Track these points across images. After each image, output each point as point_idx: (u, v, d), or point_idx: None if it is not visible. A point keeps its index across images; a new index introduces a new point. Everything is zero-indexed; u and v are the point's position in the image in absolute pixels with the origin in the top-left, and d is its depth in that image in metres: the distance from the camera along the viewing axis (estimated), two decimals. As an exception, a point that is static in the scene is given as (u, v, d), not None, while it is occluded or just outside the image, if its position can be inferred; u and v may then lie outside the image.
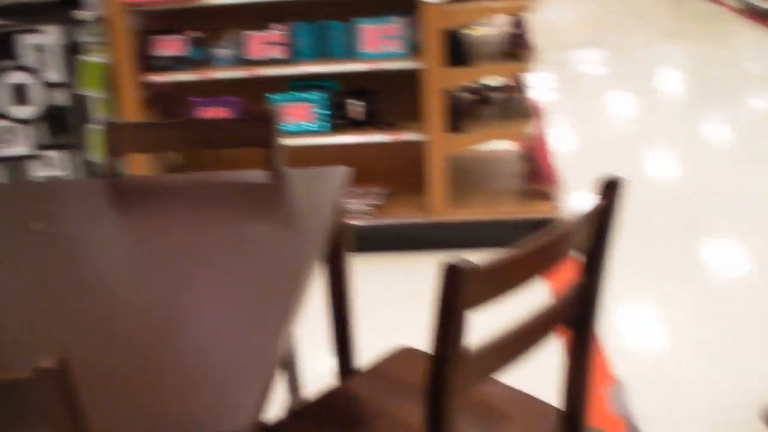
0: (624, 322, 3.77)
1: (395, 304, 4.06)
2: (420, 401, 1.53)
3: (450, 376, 1.48)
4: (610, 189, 1.67)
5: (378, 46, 4.35)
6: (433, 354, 1.46)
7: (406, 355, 2.29)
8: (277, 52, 4.41)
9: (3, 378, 1.20)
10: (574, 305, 1.72)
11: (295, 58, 4.43)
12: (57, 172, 4.78)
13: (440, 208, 4.51)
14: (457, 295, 1.39)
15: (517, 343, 1.59)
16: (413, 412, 1.99)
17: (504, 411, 2.03)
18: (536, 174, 4.71)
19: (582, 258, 1.70)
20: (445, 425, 1.53)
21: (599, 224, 1.68)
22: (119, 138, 2.75)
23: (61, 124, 4.71)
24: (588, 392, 1.89)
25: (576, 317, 1.75)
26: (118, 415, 1.46)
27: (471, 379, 1.55)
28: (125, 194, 2.64)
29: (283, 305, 1.77)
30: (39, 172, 4.79)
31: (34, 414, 1.23)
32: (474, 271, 1.39)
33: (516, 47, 4.46)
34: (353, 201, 4.52)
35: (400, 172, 4.81)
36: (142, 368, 1.62)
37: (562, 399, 1.89)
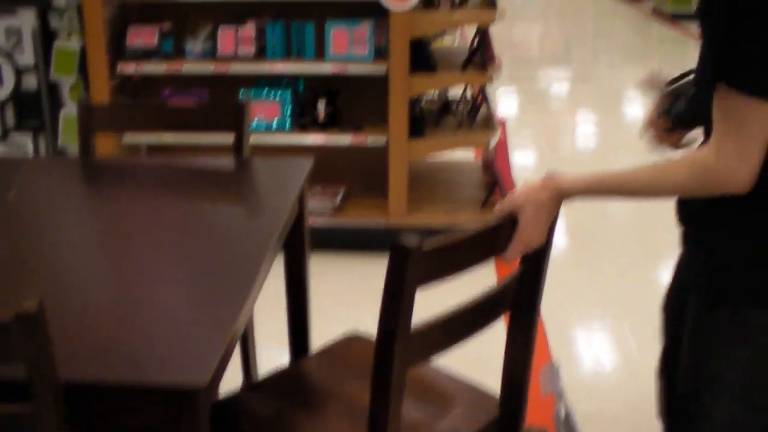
0: (563, 307, 3.90)
1: (349, 301, 4.15)
2: (367, 380, 1.62)
3: (397, 351, 1.57)
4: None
5: (346, 49, 4.45)
6: (380, 328, 1.56)
7: (354, 340, 2.39)
8: (247, 49, 4.50)
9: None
10: (518, 289, 1.83)
11: (265, 55, 4.52)
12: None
13: (399, 212, 4.60)
14: (405, 271, 1.49)
15: (462, 323, 1.70)
16: (361, 389, 2.08)
17: (447, 397, 2.13)
18: (496, 184, 4.82)
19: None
20: (390, 400, 1.62)
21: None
22: (92, 118, 2.82)
23: (30, 108, 4.75)
24: (528, 375, 1.99)
25: (519, 301, 1.85)
26: (87, 358, 1.55)
27: (417, 355, 1.65)
28: (94, 174, 2.72)
29: (242, 285, 1.84)
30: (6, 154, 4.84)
31: (13, 353, 1.32)
32: (421, 248, 1.49)
33: (481, 59, 4.57)
34: (314, 199, 4.61)
35: (361, 174, 4.90)
36: (108, 322, 1.71)
37: (504, 381, 1.99)
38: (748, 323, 1.76)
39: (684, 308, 1.91)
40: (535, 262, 1.85)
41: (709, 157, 1.65)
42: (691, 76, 1.92)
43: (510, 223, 1.77)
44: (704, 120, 1.76)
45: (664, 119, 2.01)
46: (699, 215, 1.82)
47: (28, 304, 1.30)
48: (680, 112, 1.97)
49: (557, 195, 1.81)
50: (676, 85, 2.00)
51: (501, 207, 1.81)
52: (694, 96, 1.91)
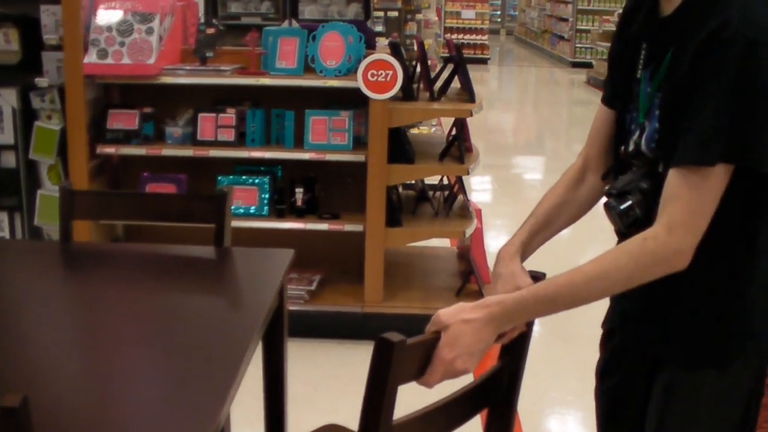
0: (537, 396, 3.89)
1: (325, 388, 4.13)
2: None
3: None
4: (533, 281, 1.82)
5: (325, 137, 4.50)
6: (362, 422, 1.56)
7: (331, 431, 2.38)
8: (227, 135, 4.54)
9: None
10: (496, 385, 1.84)
11: (244, 142, 4.55)
12: (1, 235, 4.81)
13: (375, 299, 4.61)
14: (388, 367, 1.50)
15: (442, 418, 1.70)
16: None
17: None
18: (471, 273, 4.85)
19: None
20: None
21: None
22: (72, 204, 2.83)
23: (8, 187, 4.75)
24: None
25: (497, 397, 1.86)
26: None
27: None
28: (74, 259, 2.72)
29: (223, 380, 1.82)
30: (-20, 233, 4.82)
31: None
32: (405, 345, 1.50)
33: (458, 150, 4.63)
34: (290, 285, 4.61)
35: (338, 260, 4.92)
36: (87, 417, 1.69)
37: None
38: (736, 377, 1.82)
39: (638, 380, 1.96)
40: (514, 358, 1.86)
41: (659, 238, 1.67)
42: (632, 176, 1.87)
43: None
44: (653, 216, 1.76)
45: (612, 218, 1.90)
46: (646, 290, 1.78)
47: (11, 398, 1.30)
48: (635, 212, 1.84)
49: (489, 317, 1.67)
50: (622, 180, 1.89)
51: (427, 327, 1.67)
52: (644, 192, 1.83)
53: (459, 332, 1.64)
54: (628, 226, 1.85)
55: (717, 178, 1.68)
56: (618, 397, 2.08)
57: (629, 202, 1.83)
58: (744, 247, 1.81)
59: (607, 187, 1.93)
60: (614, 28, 2.12)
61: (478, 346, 1.66)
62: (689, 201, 1.68)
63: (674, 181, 1.70)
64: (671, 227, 1.68)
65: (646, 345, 1.96)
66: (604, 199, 1.95)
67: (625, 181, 1.86)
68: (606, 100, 2.04)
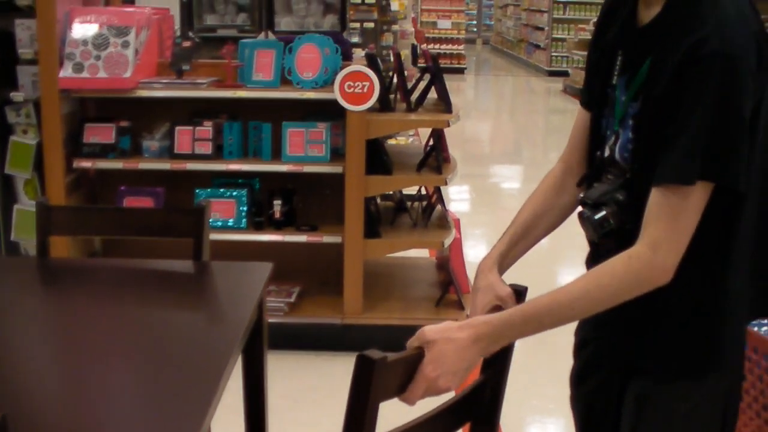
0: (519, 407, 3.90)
1: (304, 400, 4.12)
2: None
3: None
4: (514, 295, 1.82)
5: (303, 149, 4.50)
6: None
7: (314, 446, 2.37)
8: (204, 148, 4.52)
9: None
10: (478, 399, 1.84)
11: (221, 154, 4.54)
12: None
13: (355, 310, 4.60)
14: (370, 384, 1.50)
15: (423, 434, 1.70)
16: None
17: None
18: (450, 283, 4.85)
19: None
20: None
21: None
22: (49, 219, 2.82)
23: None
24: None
25: (479, 411, 1.86)
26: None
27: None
28: (51, 274, 2.70)
29: (202, 397, 1.81)
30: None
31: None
32: (386, 362, 1.50)
33: (436, 160, 4.64)
34: (269, 297, 4.60)
35: (317, 272, 4.92)
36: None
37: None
38: (712, 388, 1.84)
39: (613, 389, 1.96)
40: (497, 372, 1.86)
41: (643, 258, 1.69)
42: (608, 186, 1.87)
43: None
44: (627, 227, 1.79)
45: (587, 228, 1.89)
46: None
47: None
48: (609, 223, 1.84)
49: (476, 337, 1.67)
50: (598, 191, 1.88)
51: (410, 342, 1.67)
52: (620, 204, 1.83)
53: (444, 350, 1.63)
54: (601, 236, 1.85)
55: (697, 196, 1.69)
56: (593, 405, 2.08)
57: (603, 213, 1.83)
58: (719, 263, 1.82)
59: (581, 196, 1.93)
60: (590, 37, 2.13)
61: (462, 365, 1.66)
62: (671, 220, 1.69)
63: (656, 200, 1.71)
64: (655, 246, 1.69)
65: (620, 355, 1.97)
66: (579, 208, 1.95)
67: (601, 191, 1.86)
68: (585, 104, 2.06)
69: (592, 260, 1.94)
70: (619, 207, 1.82)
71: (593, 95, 1.99)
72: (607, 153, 1.91)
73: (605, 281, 1.72)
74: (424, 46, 18.72)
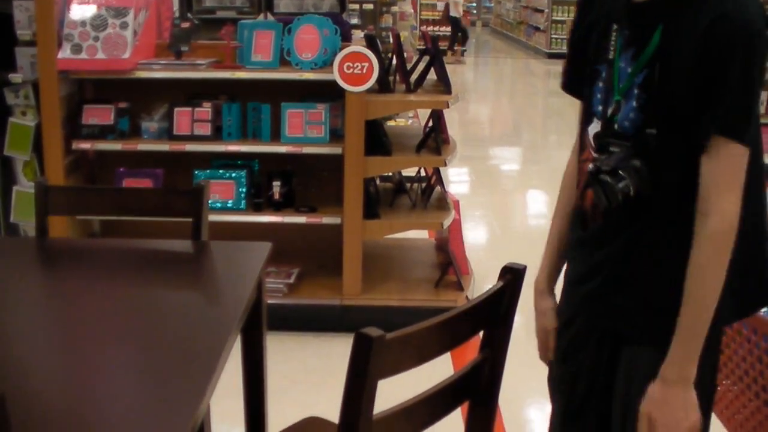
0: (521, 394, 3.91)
1: (304, 381, 4.13)
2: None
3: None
4: (512, 274, 1.82)
5: (302, 130, 4.49)
6: (342, 418, 1.56)
7: (311, 424, 2.38)
8: (203, 130, 4.52)
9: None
10: (477, 378, 1.84)
11: (221, 136, 4.54)
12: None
13: (354, 291, 4.61)
14: (368, 362, 1.50)
15: (424, 412, 1.70)
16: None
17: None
18: (450, 265, 4.86)
19: (485, 333, 1.82)
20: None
21: (501, 304, 1.82)
22: (48, 199, 2.81)
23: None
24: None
25: (478, 389, 1.86)
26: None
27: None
28: (50, 255, 2.70)
29: (202, 375, 1.81)
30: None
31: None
32: (384, 339, 1.50)
33: (435, 141, 4.64)
34: (268, 279, 4.60)
35: (316, 253, 4.92)
36: (65, 412, 1.68)
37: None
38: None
39: (601, 362, 2.07)
40: (495, 350, 1.86)
41: (719, 223, 1.79)
42: (619, 148, 1.93)
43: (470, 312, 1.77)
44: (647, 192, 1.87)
45: (606, 196, 1.92)
46: (623, 259, 1.96)
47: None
48: (629, 190, 1.89)
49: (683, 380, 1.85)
50: (613, 158, 1.92)
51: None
52: (639, 170, 1.89)
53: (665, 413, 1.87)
54: (615, 204, 1.89)
55: (740, 152, 1.81)
56: (579, 380, 2.13)
57: (626, 180, 1.87)
58: None
59: (594, 164, 1.95)
60: None
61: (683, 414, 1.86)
62: (720, 184, 1.80)
63: (705, 170, 1.81)
64: (722, 214, 1.79)
65: (607, 321, 2.04)
66: None
67: (617, 158, 1.89)
68: (567, 87, 2.13)
69: (576, 228, 2.10)
70: (638, 174, 1.87)
71: (580, 75, 2.05)
72: (599, 128, 1.97)
73: (710, 269, 1.82)
74: (423, 27, 18.69)
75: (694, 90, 1.80)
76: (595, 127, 1.99)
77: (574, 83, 2.10)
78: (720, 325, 1.95)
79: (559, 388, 2.20)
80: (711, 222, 1.79)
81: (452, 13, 20.10)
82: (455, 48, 20.28)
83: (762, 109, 5.56)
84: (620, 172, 1.87)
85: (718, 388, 2.54)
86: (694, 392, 1.85)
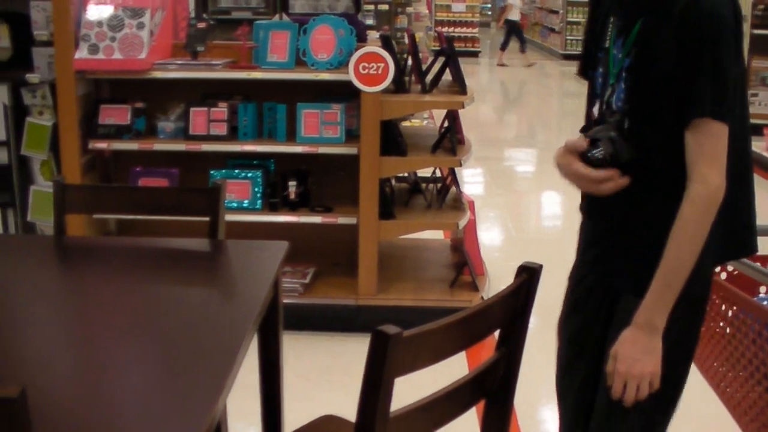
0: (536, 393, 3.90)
1: (319, 380, 4.14)
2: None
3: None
4: (528, 273, 1.82)
5: (318, 130, 4.50)
6: (359, 415, 1.57)
7: (328, 422, 2.38)
8: (219, 129, 4.53)
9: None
10: (493, 376, 1.85)
11: (236, 136, 4.55)
12: (-7, 231, 4.80)
13: (369, 291, 4.61)
14: (385, 358, 1.51)
15: (441, 410, 1.71)
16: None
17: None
18: (465, 265, 4.86)
19: (501, 332, 1.83)
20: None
21: (517, 303, 1.82)
22: (65, 197, 2.83)
23: (0, 184, 4.74)
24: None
25: (494, 388, 1.87)
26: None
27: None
28: (68, 253, 2.72)
29: (218, 375, 1.81)
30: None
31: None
32: (401, 336, 1.51)
33: (450, 142, 4.64)
34: (284, 278, 4.60)
35: (331, 253, 4.93)
36: (82, 410, 1.69)
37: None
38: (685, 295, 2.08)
39: (600, 315, 2.30)
40: (511, 348, 1.87)
41: (701, 188, 1.99)
42: (605, 123, 2.16)
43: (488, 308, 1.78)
44: (622, 160, 2.09)
45: (585, 161, 2.14)
46: (621, 214, 2.17)
47: (9, 389, 1.30)
48: (603, 155, 2.10)
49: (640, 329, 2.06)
50: (594, 130, 2.16)
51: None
52: (613, 139, 2.10)
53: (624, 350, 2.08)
54: (597, 167, 2.10)
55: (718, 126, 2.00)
56: (583, 327, 2.37)
57: (600, 149, 2.10)
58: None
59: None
60: None
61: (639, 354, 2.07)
62: (703, 154, 2.00)
63: (688, 142, 2.01)
64: (703, 179, 1.99)
65: (611, 279, 2.26)
66: None
67: (597, 130, 2.14)
68: (582, 72, 2.35)
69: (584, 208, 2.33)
70: (611, 142, 2.09)
71: (588, 61, 2.29)
72: (603, 107, 2.20)
73: (689, 229, 2.01)
74: (438, 28, 18.67)
75: (672, 73, 2.00)
76: (597, 107, 2.23)
77: (587, 68, 2.31)
78: (704, 267, 2.10)
79: (564, 334, 2.47)
80: (693, 187, 2.00)
81: (510, 17, 20.06)
82: (504, 51, 20.31)
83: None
84: (597, 142, 2.11)
85: (727, 375, 2.71)
86: (659, 342, 2.05)
